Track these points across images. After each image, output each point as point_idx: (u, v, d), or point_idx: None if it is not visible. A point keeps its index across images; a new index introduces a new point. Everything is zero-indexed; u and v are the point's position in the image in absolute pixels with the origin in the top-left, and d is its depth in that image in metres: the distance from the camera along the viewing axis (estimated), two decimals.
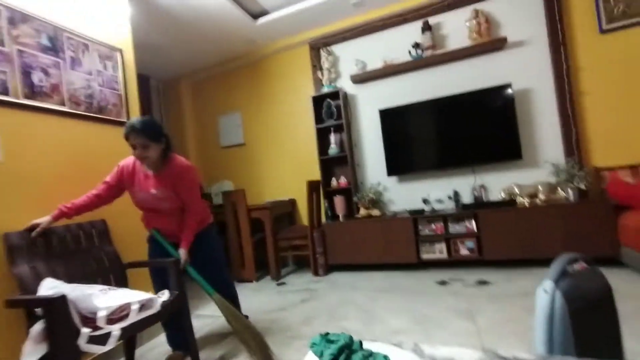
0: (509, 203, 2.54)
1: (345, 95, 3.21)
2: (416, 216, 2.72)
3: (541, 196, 2.57)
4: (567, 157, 2.56)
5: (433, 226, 2.69)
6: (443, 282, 2.37)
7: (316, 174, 3.19)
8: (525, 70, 2.70)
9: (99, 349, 1.06)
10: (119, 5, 2.05)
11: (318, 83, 3.30)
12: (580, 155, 2.54)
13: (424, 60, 2.90)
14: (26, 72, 1.47)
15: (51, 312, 1.01)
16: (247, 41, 3.32)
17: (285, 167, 3.54)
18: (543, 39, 2.65)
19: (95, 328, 1.09)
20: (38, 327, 1.05)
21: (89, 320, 1.11)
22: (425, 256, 2.70)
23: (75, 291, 1.12)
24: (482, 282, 2.26)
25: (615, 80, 2.48)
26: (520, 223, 2.42)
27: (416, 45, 2.91)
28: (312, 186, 2.96)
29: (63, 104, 1.62)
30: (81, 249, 1.50)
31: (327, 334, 0.82)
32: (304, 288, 2.61)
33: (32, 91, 1.49)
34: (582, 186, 2.37)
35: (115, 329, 1.11)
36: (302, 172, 3.38)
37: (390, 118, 3.00)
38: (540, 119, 2.69)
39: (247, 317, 1.81)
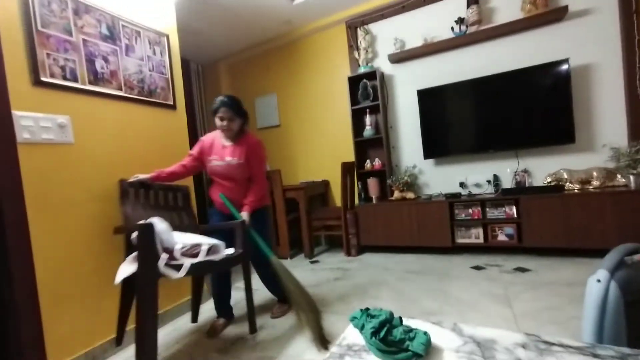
0: (556, 189, 2.39)
1: (382, 76, 3.13)
2: (452, 200, 2.66)
3: (595, 182, 2.38)
4: (631, 140, 2.32)
5: (470, 211, 2.62)
6: (478, 267, 2.33)
7: (350, 156, 3.20)
8: (586, 44, 2.44)
9: (173, 274, 1.28)
10: None
11: (354, 63, 3.24)
12: None
13: (468, 37, 2.72)
14: (90, 60, 1.60)
15: (141, 235, 1.25)
16: (283, 22, 3.30)
17: (320, 148, 3.58)
18: (612, 6, 2.36)
19: (172, 259, 1.31)
20: (133, 254, 1.32)
21: (168, 252, 1.33)
22: (460, 241, 2.65)
23: (161, 225, 1.34)
24: (521, 269, 2.19)
25: None
26: (568, 210, 2.28)
27: (460, 21, 2.73)
28: (346, 168, 2.98)
29: (120, 89, 1.75)
30: (168, 205, 1.77)
31: (368, 309, 0.87)
32: (336, 267, 2.69)
33: (96, 77, 1.63)
34: None
35: (187, 263, 1.32)
36: (337, 154, 3.40)
37: (429, 99, 2.88)
38: (601, 98, 2.44)
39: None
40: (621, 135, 2.39)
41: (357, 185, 3.17)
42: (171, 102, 2.10)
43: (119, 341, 1.56)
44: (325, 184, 3.54)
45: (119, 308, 1.52)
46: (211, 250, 1.45)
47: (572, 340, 0.69)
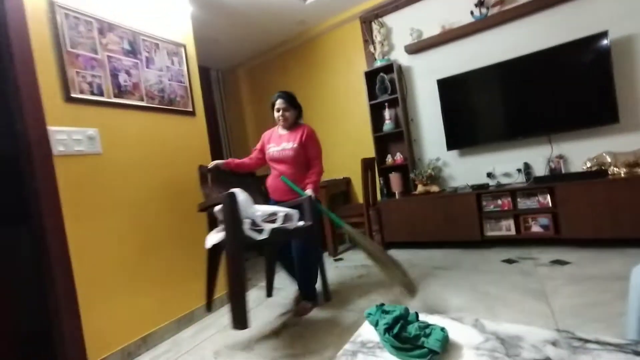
0: (598, 174, 2.19)
1: (400, 68, 3.05)
2: (480, 191, 2.52)
3: None
4: None
5: (499, 202, 2.47)
6: (510, 260, 2.20)
7: (371, 152, 3.14)
8: (626, 13, 2.22)
9: (256, 236, 1.45)
10: (181, 4, 2.21)
11: (370, 58, 3.18)
12: None
13: (490, 19, 2.58)
14: (114, 75, 1.70)
15: (226, 202, 1.40)
16: (297, 23, 3.32)
17: (340, 145, 3.55)
18: None
19: (254, 225, 1.48)
20: (219, 227, 1.53)
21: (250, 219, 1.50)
22: (489, 233, 2.51)
23: (242, 195, 1.49)
24: (559, 262, 2.03)
25: None
26: (612, 196, 2.08)
27: (480, 3, 2.59)
28: (367, 164, 2.93)
29: (142, 100, 1.85)
30: (241, 187, 1.91)
31: (383, 304, 0.84)
32: (360, 264, 2.66)
33: (120, 90, 1.72)
34: None
35: (268, 227, 1.50)
36: (357, 150, 3.36)
37: (450, 88, 2.76)
38: None
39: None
40: None
41: (379, 181, 3.11)
42: (190, 109, 2.18)
43: (208, 307, 1.75)
44: (347, 181, 3.51)
45: (206, 277, 1.69)
46: (286, 218, 1.62)
47: (611, 337, 0.63)
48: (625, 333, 0.76)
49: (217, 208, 1.51)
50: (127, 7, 1.82)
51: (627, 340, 0.61)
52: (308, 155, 1.98)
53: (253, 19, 3.12)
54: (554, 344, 0.66)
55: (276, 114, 1.97)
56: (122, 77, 1.74)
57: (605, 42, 2.18)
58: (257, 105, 4.21)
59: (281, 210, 1.62)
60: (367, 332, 0.84)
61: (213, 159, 2.33)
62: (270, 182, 2.04)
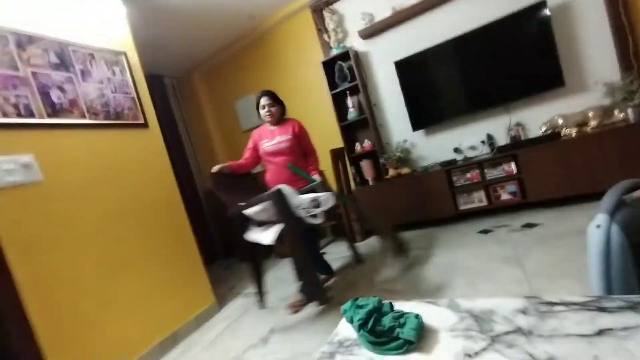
0: (553, 137, 2.29)
1: (357, 54, 3.02)
2: (448, 167, 2.58)
3: (592, 123, 2.28)
4: (623, 72, 2.20)
5: (468, 175, 2.54)
6: (485, 230, 2.26)
7: (339, 142, 3.12)
8: None
9: (315, 220, 1.62)
10: (113, 8, 2.04)
11: (326, 47, 3.13)
12: None
13: None
14: (44, 92, 1.54)
15: (276, 197, 1.54)
16: (246, 18, 3.19)
17: None
18: None
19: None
20: (257, 226, 1.71)
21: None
22: (463, 207, 2.58)
23: (286, 188, 1.63)
24: (529, 225, 2.12)
25: None
26: (568, 157, 2.19)
27: None
28: (336, 154, 2.90)
29: (84, 116, 1.69)
30: (249, 186, 2.11)
31: (357, 298, 0.81)
32: (343, 256, 2.65)
33: (54, 109, 1.57)
34: None
35: (318, 211, 1.65)
36: (325, 142, 3.30)
37: (408, 69, 2.78)
38: (586, 34, 2.32)
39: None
40: (612, 69, 2.27)
41: (351, 170, 3.10)
42: (142, 121, 2.04)
43: (262, 303, 1.82)
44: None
45: (255, 276, 1.79)
46: (323, 200, 1.74)
47: (576, 296, 0.63)
48: (589, 290, 0.78)
49: (255, 209, 1.63)
50: (50, 16, 1.65)
51: (590, 297, 0.62)
52: (303, 145, 2.08)
53: (200, 18, 2.96)
54: (524, 312, 0.65)
55: (262, 112, 2.04)
56: (55, 94, 1.58)
57: (545, 10, 2.26)
58: (219, 109, 4.06)
59: (320, 196, 1.73)
60: (345, 329, 0.80)
61: (176, 172, 2.23)
62: (269, 177, 2.06)
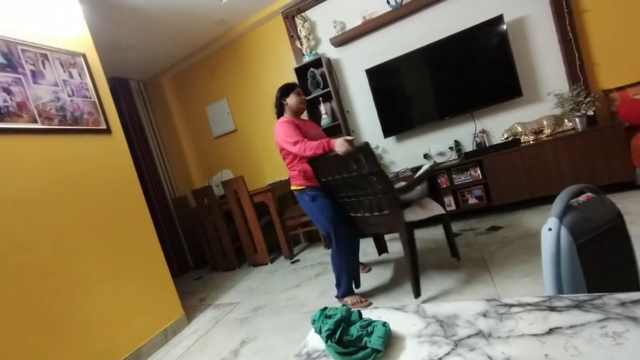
0: (513, 143, 2.44)
1: (329, 61, 3.06)
2: None
3: (547, 131, 2.45)
4: (572, 84, 2.39)
5: (438, 180, 2.62)
6: (455, 234, 2.35)
7: None
8: None
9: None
10: (69, 6, 1.92)
11: (298, 53, 3.14)
12: (587, 80, 2.38)
13: (405, 7, 2.70)
14: None
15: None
16: (216, 23, 3.13)
17: None
18: None
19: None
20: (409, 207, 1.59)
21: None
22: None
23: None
24: (494, 228, 2.22)
25: None
26: (527, 162, 2.33)
27: None
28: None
29: (35, 121, 1.57)
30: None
31: (325, 308, 0.80)
32: (317, 262, 2.63)
33: None
34: (591, 112, 2.23)
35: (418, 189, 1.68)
36: None
37: (378, 76, 2.85)
38: (539, 48, 2.50)
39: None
40: (562, 81, 2.46)
41: None
42: (104, 126, 1.92)
43: (418, 293, 1.53)
44: None
45: (413, 262, 1.51)
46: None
47: (529, 297, 0.66)
48: (544, 289, 0.82)
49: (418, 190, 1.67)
50: None
51: (542, 297, 0.65)
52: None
53: (167, 21, 2.87)
54: (485, 315, 0.67)
55: (296, 101, 1.87)
56: (0, 97, 1.45)
57: (501, 24, 2.42)
58: (189, 114, 3.93)
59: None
60: (313, 340, 0.79)
61: (143, 180, 2.12)
62: (316, 168, 1.75)
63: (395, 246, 2.34)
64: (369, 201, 1.61)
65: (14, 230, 1.41)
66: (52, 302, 1.47)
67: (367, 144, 1.46)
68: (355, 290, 1.80)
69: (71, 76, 1.80)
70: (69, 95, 1.76)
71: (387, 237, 2.45)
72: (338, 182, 1.66)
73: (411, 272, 1.52)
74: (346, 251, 1.72)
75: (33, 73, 1.60)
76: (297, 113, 1.92)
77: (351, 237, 1.76)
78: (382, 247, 2.28)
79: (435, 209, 1.66)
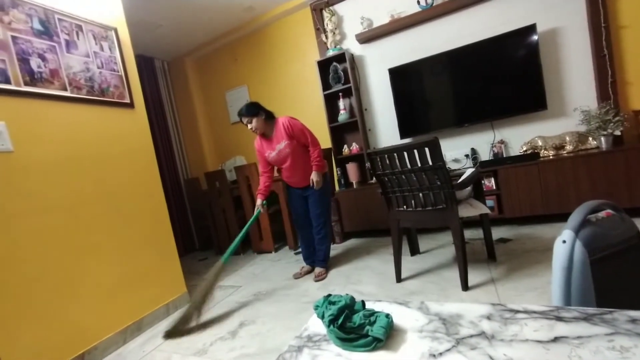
0: (532, 157, 2.38)
1: (352, 57, 3.04)
2: None
3: (569, 147, 2.39)
4: (601, 102, 2.32)
5: (483, 183, 2.58)
6: (465, 242, 2.32)
7: (327, 142, 3.12)
8: (552, 7, 2.41)
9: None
10: None
11: (323, 47, 3.13)
12: (617, 99, 2.30)
13: (435, 9, 2.65)
14: (24, 59, 1.47)
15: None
16: (244, 9, 3.15)
17: None
18: None
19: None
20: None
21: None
22: None
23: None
24: (503, 240, 2.19)
25: None
26: (544, 177, 2.28)
27: None
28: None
29: (65, 89, 1.62)
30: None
31: (329, 295, 0.81)
32: (296, 260, 2.64)
33: (33, 78, 1.49)
34: (618, 132, 2.16)
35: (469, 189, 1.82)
36: None
37: (401, 77, 2.82)
38: (570, 62, 2.43)
39: None
40: (591, 98, 2.39)
41: (337, 171, 3.11)
42: (128, 101, 1.97)
43: (466, 286, 1.59)
44: None
45: (461, 258, 1.58)
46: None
47: (537, 305, 0.66)
48: (551, 301, 0.81)
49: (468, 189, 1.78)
50: None
51: (550, 307, 0.64)
52: (301, 142, 2.11)
53: (197, 4, 2.90)
54: (489, 317, 0.67)
55: (249, 128, 2.08)
56: (35, 62, 1.50)
57: (533, 33, 2.36)
58: (208, 98, 3.98)
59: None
60: (314, 325, 0.81)
61: (159, 157, 2.18)
62: (285, 176, 2.22)
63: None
64: (424, 195, 1.66)
65: (36, 192, 1.47)
66: (66, 265, 1.53)
67: (436, 139, 1.51)
68: (398, 284, 1.85)
69: (102, 49, 1.85)
70: (98, 67, 1.81)
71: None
72: (396, 175, 1.71)
73: (461, 263, 1.58)
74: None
75: (67, 42, 1.66)
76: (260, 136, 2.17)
77: None
78: (415, 248, 2.30)
79: (482, 208, 1.75)
